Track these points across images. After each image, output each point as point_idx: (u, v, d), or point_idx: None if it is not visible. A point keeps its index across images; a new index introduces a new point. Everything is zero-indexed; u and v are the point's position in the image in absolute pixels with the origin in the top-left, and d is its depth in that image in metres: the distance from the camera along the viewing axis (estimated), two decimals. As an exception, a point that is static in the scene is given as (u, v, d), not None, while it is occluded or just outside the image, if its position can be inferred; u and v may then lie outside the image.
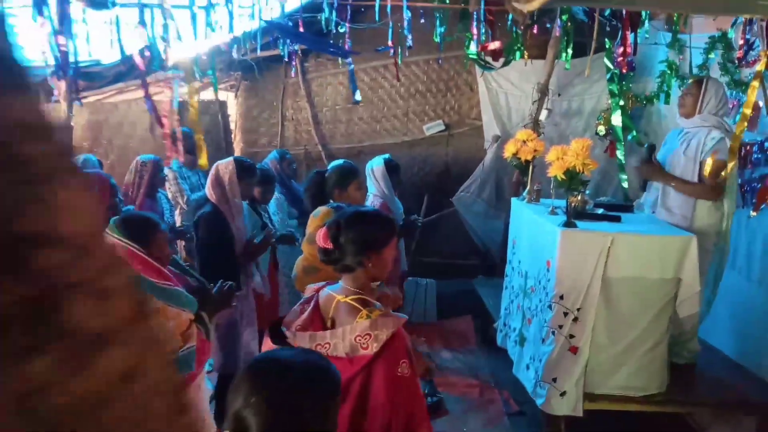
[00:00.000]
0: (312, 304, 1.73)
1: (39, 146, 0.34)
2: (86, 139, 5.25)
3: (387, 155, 3.76)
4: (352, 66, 4.41)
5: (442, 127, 5.77)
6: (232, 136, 5.88)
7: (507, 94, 5.53)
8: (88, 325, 0.34)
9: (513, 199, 3.82)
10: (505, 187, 5.48)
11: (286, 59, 5.01)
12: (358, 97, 4.56)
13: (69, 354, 0.33)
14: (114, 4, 3.80)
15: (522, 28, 4.23)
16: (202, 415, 2.25)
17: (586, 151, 2.70)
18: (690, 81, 3.28)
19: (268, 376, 1.15)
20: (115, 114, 5.43)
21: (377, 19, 3.78)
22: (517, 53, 4.39)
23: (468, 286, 5.11)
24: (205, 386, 2.41)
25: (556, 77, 4.92)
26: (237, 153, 5.91)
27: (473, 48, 4.08)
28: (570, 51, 3.97)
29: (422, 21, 4.32)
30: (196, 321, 2.15)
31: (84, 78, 5.21)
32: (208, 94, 5.84)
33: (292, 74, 5.37)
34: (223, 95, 5.80)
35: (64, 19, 4.52)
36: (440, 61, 5.17)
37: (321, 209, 2.51)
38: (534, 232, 3.28)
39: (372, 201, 3.54)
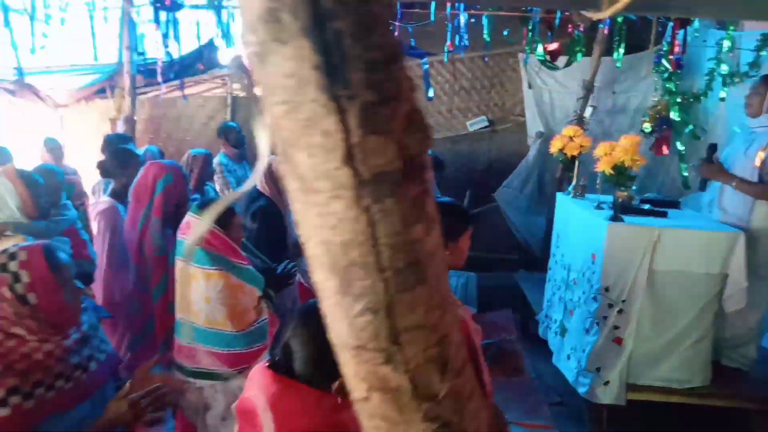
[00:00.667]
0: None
1: None
2: (148, 132, 5.56)
3: (429, 151, 3.88)
4: (426, 66, 4.55)
5: (486, 123, 5.85)
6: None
7: (551, 91, 5.57)
8: None
9: (558, 194, 3.89)
10: (547, 183, 5.53)
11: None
12: (430, 94, 4.69)
13: None
14: (182, 6, 4.05)
15: (583, 30, 4.29)
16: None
17: (635, 148, 2.76)
18: (759, 79, 3.18)
19: (314, 314, 1.29)
20: (173, 109, 5.73)
21: (432, 18, 3.90)
22: (578, 54, 4.47)
23: (509, 280, 5.18)
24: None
25: (601, 74, 4.93)
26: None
27: (540, 50, 4.19)
28: (622, 50, 4.01)
29: (472, 21, 4.42)
30: (264, 297, 2.35)
31: (146, 75, 5.53)
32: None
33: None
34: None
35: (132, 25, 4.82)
36: (486, 59, 5.25)
37: None
38: (579, 225, 3.35)
39: None
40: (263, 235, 3.22)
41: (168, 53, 4.83)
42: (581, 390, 3.06)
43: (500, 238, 5.73)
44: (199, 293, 2.16)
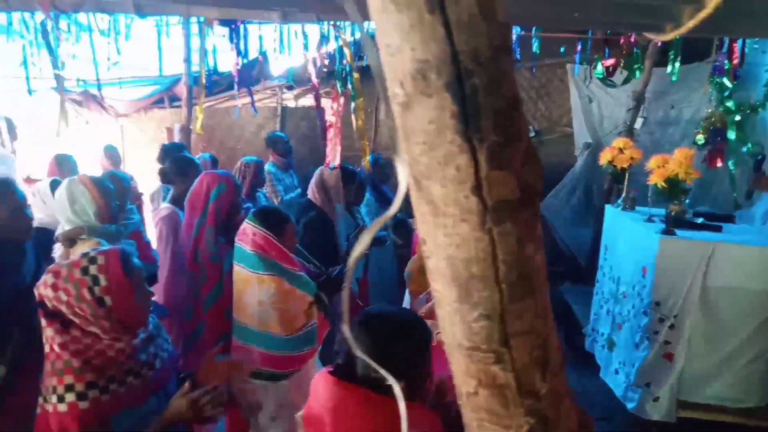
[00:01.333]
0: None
1: None
2: (202, 140, 5.80)
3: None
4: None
5: (532, 134, 5.86)
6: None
7: (599, 102, 5.53)
8: None
9: (607, 206, 3.87)
10: (594, 195, 5.48)
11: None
12: None
13: None
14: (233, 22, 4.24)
15: (639, 45, 4.30)
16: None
17: (689, 161, 2.75)
18: None
19: (374, 321, 1.34)
20: (226, 118, 5.96)
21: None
22: (637, 72, 4.47)
23: (552, 292, 5.15)
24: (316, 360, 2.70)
25: (652, 85, 4.88)
26: (332, 156, 6.28)
27: (600, 68, 4.22)
28: (678, 65, 3.98)
29: (522, 32, 4.46)
30: (316, 302, 2.43)
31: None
32: (308, 101, 6.28)
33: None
34: (322, 102, 6.19)
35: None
36: (534, 70, 5.27)
37: None
38: (629, 238, 3.34)
39: None
40: (315, 243, 3.33)
41: (212, 68, 5.03)
42: (630, 405, 3.04)
43: (545, 250, 5.70)
44: (252, 297, 2.26)
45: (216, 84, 5.83)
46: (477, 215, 0.51)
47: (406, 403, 1.24)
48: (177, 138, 5.70)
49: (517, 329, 0.55)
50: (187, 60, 5.20)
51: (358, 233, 3.83)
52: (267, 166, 4.73)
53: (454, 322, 0.57)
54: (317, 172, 3.53)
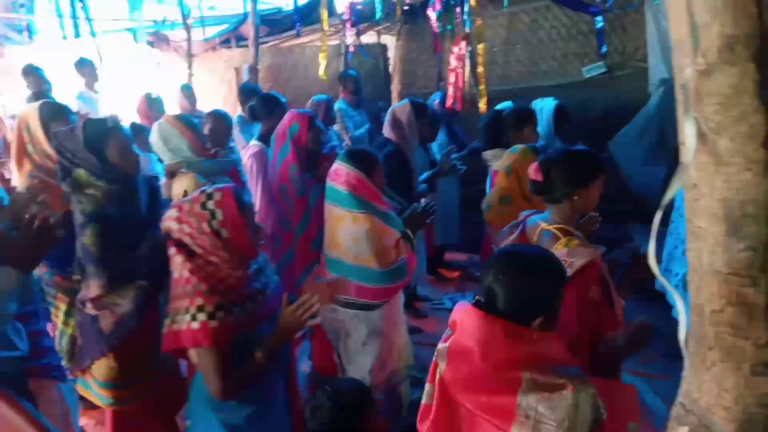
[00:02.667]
0: (519, 228, 2.01)
1: None
2: (268, 80, 5.89)
3: (556, 100, 3.84)
4: (602, 23, 4.41)
5: (603, 70, 5.61)
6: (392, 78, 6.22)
7: (679, 34, 5.21)
8: None
9: (687, 145, 3.75)
10: (668, 134, 5.27)
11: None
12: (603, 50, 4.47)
13: None
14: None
15: None
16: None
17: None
18: None
19: (514, 260, 1.45)
20: (291, 57, 6.00)
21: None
22: None
23: (618, 232, 5.08)
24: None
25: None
26: (395, 95, 6.26)
27: None
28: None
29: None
30: (403, 237, 2.54)
31: (267, 24, 5.80)
32: (371, 38, 6.21)
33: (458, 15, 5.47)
34: (384, 39, 6.12)
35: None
36: (610, 1, 4.99)
37: (519, 146, 2.76)
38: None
39: None
40: (391, 177, 3.43)
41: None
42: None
43: (611, 190, 5.58)
44: (347, 233, 2.37)
45: (280, 22, 5.85)
46: (762, 165, 0.64)
47: (540, 335, 1.35)
48: (246, 77, 5.82)
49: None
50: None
51: (431, 168, 3.88)
52: (337, 104, 4.80)
53: (715, 252, 0.72)
54: (390, 110, 3.58)
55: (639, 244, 2.07)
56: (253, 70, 5.57)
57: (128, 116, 5.30)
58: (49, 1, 4.06)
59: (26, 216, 1.52)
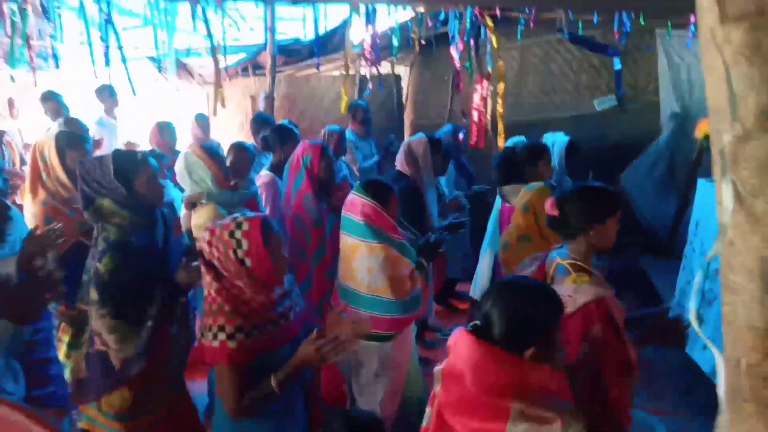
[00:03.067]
0: (539, 261, 2.03)
1: None
2: (283, 109, 5.99)
3: (567, 136, 3.87)
4: (620, 66, 4.50)
5: (615, 102, 5.67)
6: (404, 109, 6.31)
7: (690, 69, 5.27)
8: None
9: (700, 181, 3.76)
10: (678, 167, 5.29)
11: (457, 36, 5.22)
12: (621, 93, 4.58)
13: None
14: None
15: None
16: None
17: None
18: None
19: (512, 289, 1.49)
20: (306, 87, 6.12)
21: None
22: None
23: (628, 265, 5.08)
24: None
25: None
26: (407, 124, 6.34)
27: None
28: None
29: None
30: (417, 267, 2.56)
31: (284, 54, 5.93)
32: (385, 68, 6.32)
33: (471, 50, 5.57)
34: (398, 69, 6.22)
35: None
36: (624, 37, 5.06)
37: (536, 184, 2.79)
38: (725, 215, 3.25)
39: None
40: (406, 212, 3.45)
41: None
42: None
43: (621, 223, 5.57)
44: (362, 263, 2.39)
45: (297, 53, 5.98)
46: None
47: (531, 364, 1.36)
48: (261, 105, 5.92)
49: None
50: (272, 29, 5.34)
51: (442, 204, 3.92)
52: (346, 134, 4.86)
53: (752, 307, 0.76)
54: (405, 143, 3.61)
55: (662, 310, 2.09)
56: (269, 98, 5.68)
57: (144, 143, 5.42)
58: (81, 33, 4.19)
59: (35, 264, 1.57)
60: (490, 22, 4.10)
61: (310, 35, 5.75)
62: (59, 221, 2.58)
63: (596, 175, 5.58)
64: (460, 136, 4.77)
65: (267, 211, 3.37)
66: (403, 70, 6.24)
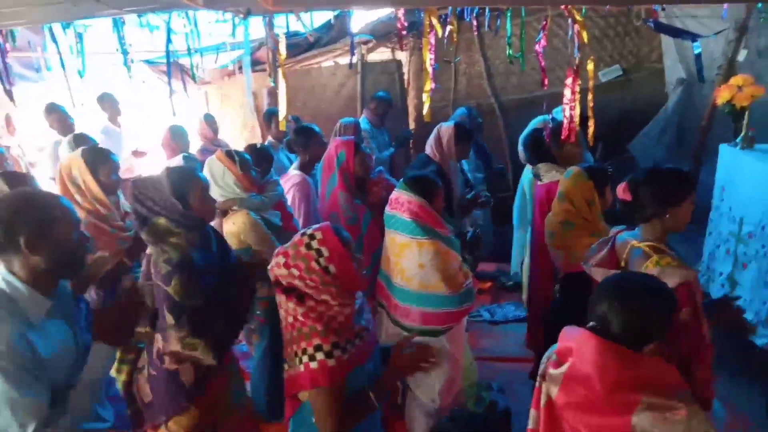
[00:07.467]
0: (609, 245, 2.03)
1: None
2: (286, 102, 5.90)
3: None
4: (699, 49, 4.36)
5: (620, 73, 5.67)
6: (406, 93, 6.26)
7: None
8: None
9: (722, 146, 3.79)
10: (687, 133, 5.32)
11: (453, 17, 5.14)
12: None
13: None
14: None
15: None
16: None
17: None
18: None
19: (627, 288, 1.49)
20: (308, 79, 6.03)
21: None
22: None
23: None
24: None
25: (756, 12, 4.61)
26: (411, 109, 6.29)
27: None
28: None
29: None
30: (462, 261, 2.55)
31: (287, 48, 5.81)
32: (385, 55, 6.25)
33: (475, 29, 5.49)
34: (399, 55, 6.16)
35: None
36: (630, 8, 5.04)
37: (572, 169, 2.78)
38: (755, 178, 3.29)
39: None
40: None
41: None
42: (760, 342, 3.09)
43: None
44: (412, 260, 2.35)
45: (295, 46, 5.89)
46: None
47: (653, 358, 1.39)
48: (266, 101, 5.84)
49: None
50: (270, 24, 5.24)
51: (466, 186, 3.92)
52: (361, 124, 4.81)
53: None
54: (436, 128, 3.61)
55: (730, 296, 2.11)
56: (273, 93, 5.60)
57: (152, 148, 5.32)
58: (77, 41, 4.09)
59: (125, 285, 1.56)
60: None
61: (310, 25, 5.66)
62: (102, 239, 2.54)
63: (605, 146, 5.62)
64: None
65: (299, 210, 3.34)
66: (403, 56, 6.18)
